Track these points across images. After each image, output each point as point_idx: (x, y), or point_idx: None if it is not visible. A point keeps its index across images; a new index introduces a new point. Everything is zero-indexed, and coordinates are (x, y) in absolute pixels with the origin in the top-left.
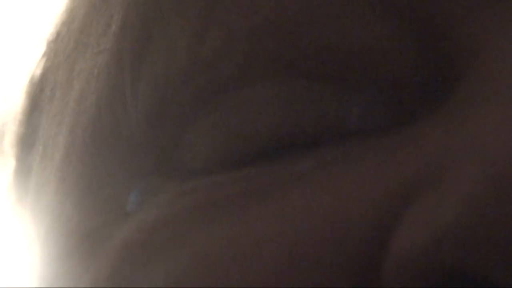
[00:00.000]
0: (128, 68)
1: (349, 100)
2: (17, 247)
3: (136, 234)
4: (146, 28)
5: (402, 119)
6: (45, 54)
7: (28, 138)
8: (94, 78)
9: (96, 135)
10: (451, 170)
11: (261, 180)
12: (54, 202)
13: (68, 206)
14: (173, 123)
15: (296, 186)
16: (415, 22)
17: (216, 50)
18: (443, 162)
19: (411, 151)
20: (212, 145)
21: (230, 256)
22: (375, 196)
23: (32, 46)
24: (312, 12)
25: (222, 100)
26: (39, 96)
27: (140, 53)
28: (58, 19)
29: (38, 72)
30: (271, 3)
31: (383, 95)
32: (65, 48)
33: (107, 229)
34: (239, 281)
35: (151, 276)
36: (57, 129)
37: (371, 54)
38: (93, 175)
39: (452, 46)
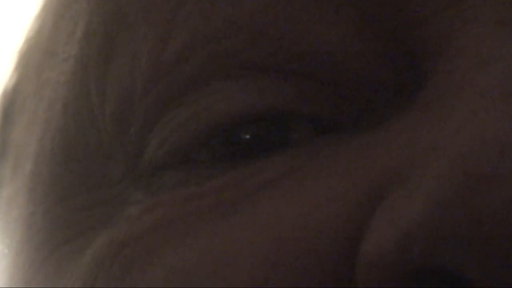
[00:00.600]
0: (93, 74)
1: (315, 99)
2: None
3: (108, 248)
4: (109, 35)
5: (371, 118)
6: (16, 66)
7: (0, 152)
8: (60, 86)
9: (64, 143)
10: (419, 168)
11: (230, 191)
12: (25, 213)
13: (39, 217)
14: (138, 127)
15: (265, 194)
16: (380, 21)
17: (179, 53)
18: (412, 161)
19: (380, 151)
20: (177, 143)
21: (205, 268)
22: (345, 198)
23: (5, 58)
24: (272, 12)
25: (184, 99)
26: (11, 109)
27: (105, 59)
28: (28, 30)
29: (10, 84)
30: (231, 5)
31: (350, 94)
32: (34, 59)
33: (78, 241)
34: None
35: None
36: (28, 140)
37: (334, 53)
38: (62, 185)
39: (417, 45)
